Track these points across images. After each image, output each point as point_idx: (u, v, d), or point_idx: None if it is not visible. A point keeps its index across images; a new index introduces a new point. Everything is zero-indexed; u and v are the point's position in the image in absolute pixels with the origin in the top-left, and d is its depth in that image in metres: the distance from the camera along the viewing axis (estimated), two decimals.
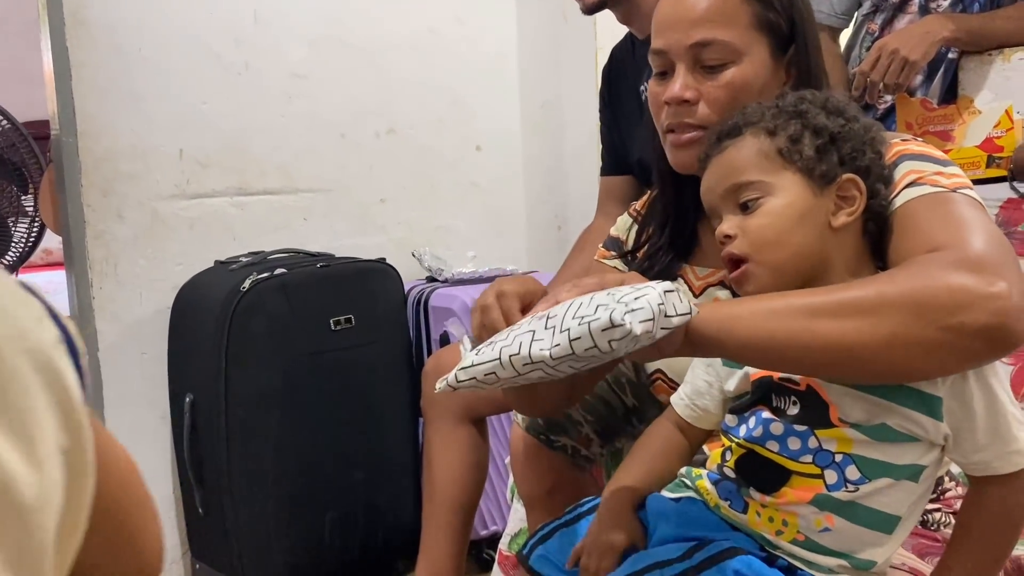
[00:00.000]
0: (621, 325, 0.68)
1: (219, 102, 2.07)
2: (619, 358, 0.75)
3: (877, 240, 0.87)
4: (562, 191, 2.69)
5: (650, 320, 0.69)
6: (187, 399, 1.86)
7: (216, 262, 2.02)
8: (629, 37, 1.83)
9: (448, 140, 2.48)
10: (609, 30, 1.91)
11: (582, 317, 0.71)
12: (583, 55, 2.51)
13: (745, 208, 0.85)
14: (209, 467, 1.85)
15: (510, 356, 0.73)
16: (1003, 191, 1.60)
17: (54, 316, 0.44)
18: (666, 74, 1.01)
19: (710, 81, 0.97)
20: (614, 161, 1.89)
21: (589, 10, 1.73)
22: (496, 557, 1.47)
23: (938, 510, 1.01)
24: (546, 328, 0.73)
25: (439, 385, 0.79)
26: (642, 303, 0.70)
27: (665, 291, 0.71)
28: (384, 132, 2.35)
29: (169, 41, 1.99)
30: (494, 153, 2.57)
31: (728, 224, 0.85)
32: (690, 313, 0.73)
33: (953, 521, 0.92)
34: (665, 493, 0.93)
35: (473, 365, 0.76)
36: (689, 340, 0.76)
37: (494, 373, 0.74)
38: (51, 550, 0.40)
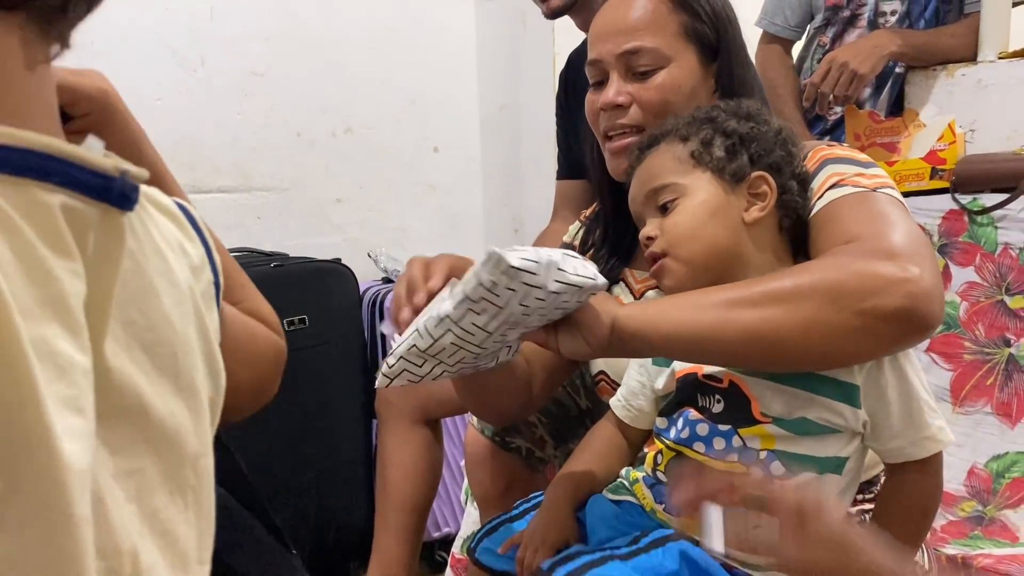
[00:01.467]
0: (497, 255, 0.68)
1: (173, 98, 2.05)
2: (532, 326, 0.77)
3: (796, 237, 0.91)
4: (519, 194, 2.70)
5: (532, 262, 0.68)
6: None
7: None
8: (586, 42, 1.85)
9: (406, 140, 2.47)
10: (567, 35, 1.93)
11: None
12: (541, 59, 2.53)
13: (664, 210, 0.89)
14: None
15: (423, 322, 0.75)
16: (945, 202, 1.65)
17: (208, 252, 0.53)
18: (602, 83, 1.05)
19: (641, 85, 1.01)
20: (570, 165, 1.91)
21: (552, 15, 1.74)
22: (448, 560, 1.48)
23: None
24: (452, 290, 0.74)
25: (378, 382, 0.80)
26: (529, 249, 0.70)
27: (566, 254, 0.72)
28: (341, 131, 2.34)
29: (123, 36, 1.96)
30: (452, 155, 2.58)
31: (649, 226, 0.90)
32: (594, 280, 0.73)
33: None
34: (606, 494, 0.94)
35: (397, 347, 0.78)
36: (616, 335, 0.79)
37: (415, 346, 0.75)
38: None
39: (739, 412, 0.83)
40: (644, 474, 0.91)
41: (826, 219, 0.87)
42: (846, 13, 1.95)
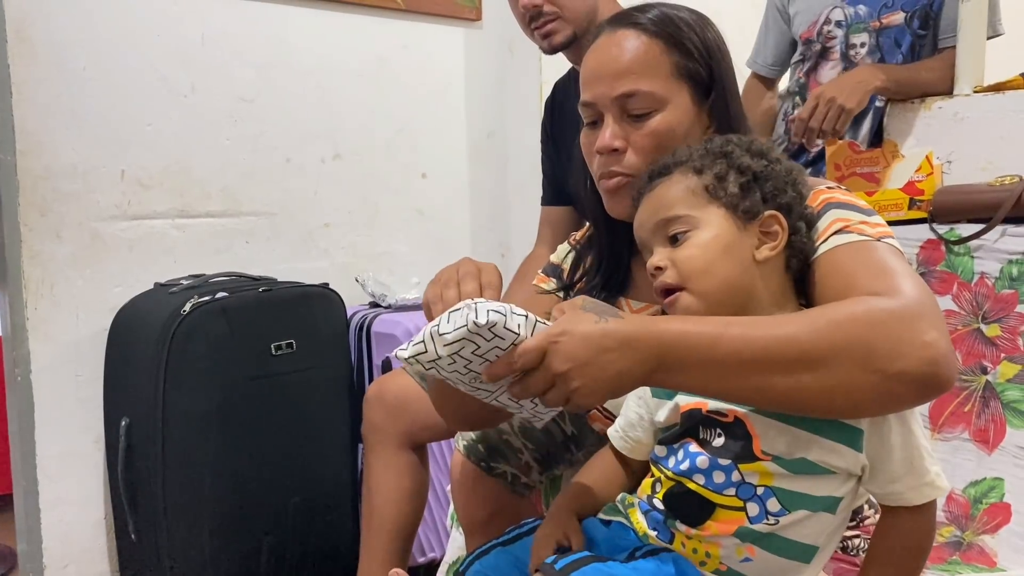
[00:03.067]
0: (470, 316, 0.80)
1: (163, 124, 2.06)
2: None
3: (799, 277, 0.92)
4: (506, 219, 2.72)
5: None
6: (123, 422, 1.83)
7: (156, 284, 2.00)
8: (572, 71, 1.88)
9: (394, 166, 2.50)
10: (554, 64, 1.96)
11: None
12: (528, 87, 2.56)
13: (674, 241, 0.90)
14: (143, 491, 1.82)
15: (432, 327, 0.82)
16: (923, 232, 1.68)
17: None
18: (596, 123, 1.06)
19: (637, 129, 1.02)
20: (555, 192, 1.93)
21: (552, 51, 1.74)
22: None
23: (857, 536, 1.05)
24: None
25: (398, 352, 0.84)
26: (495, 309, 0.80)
27: (516, 312, 0.81)
28: (330, 157, 2.36)
29: (114, 61, 1.98)
30: (439, 180, 2.60)
31: (658, 256, 0.90)
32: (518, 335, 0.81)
33: None
34: (600, 516, 0.95)
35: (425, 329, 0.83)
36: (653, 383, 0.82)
37: (422, 341, 0.82)
38: None
39: (740, 447, 0.83)
40: (640, 500, 0.92)
41: (833, 265, 0.89)
42: (817, 47, 2.00)
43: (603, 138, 1.03)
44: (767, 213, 0.89)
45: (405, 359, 0.83)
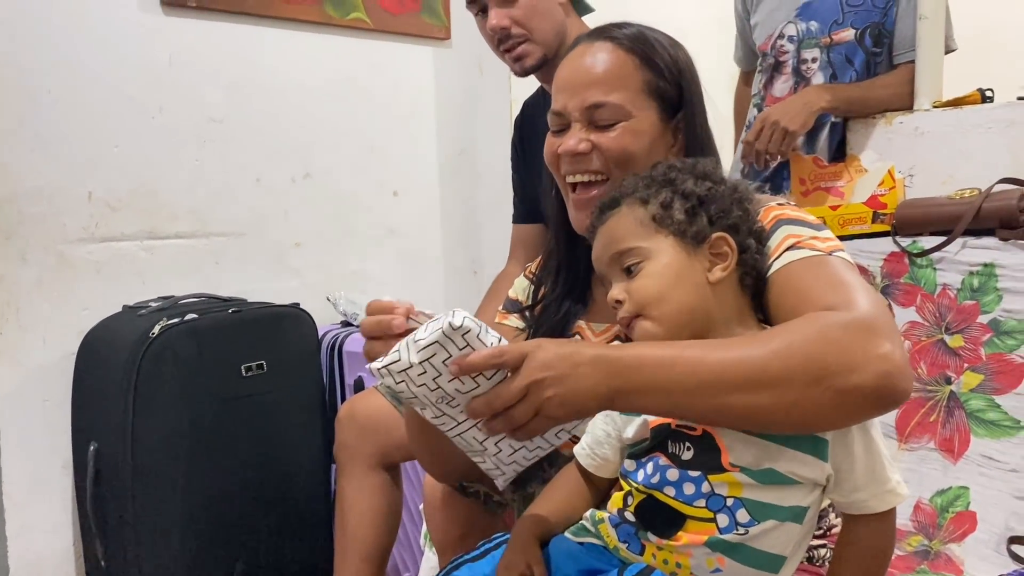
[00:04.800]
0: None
1: (131, 145, 2.05)
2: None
3: (755, 293, 0.94)
4: (478, 237, 2.73)
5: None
6: (91, 447, 1.81)
7: (124, 307, 1.98)
8: (541, 90, 1.89)
9: (365, 185, 2.50)
10: (523, 84, 1.97)
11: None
12: (498, 106, 2.58)
13: (629, 272, 0.92)
14: (113, 517, 1.80)
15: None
16: (887, 245, 1.71)
17: None
18: (562, 131, 1.08)
19: (602, 135, 1.05)
20: (525, 209, 1.94)
21: (524, 73, 1.76)
22: None
23: (823, 546, 1.07)
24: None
25: (373, 364, 0.86)
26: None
27: (491, 331, 0.84)
28: (300, 177, 2.36)
29: (80, 82, 1.97)
30: (411, 199, 2.60)
31: (616, 290, 0.93)
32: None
33: None
34: (568, 536, 0.96)
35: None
36: (614, 405, 0.84)
37: (397, 350, 0.84)
38: None
39: (708, 460, 0.85)
40: (610, 514, 0.92)
41: (788, 281, 0.90)
42: (771, 60, 2.04)
43: (568, 142, 1.06)
44: (715, 235, 0.91)
45: (377, 369, 0.84)
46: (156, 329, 1.78)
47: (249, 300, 2.09)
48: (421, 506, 1.61)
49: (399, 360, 0.83)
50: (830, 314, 0.82)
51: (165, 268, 2.11)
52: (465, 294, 2.66)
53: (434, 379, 0.84)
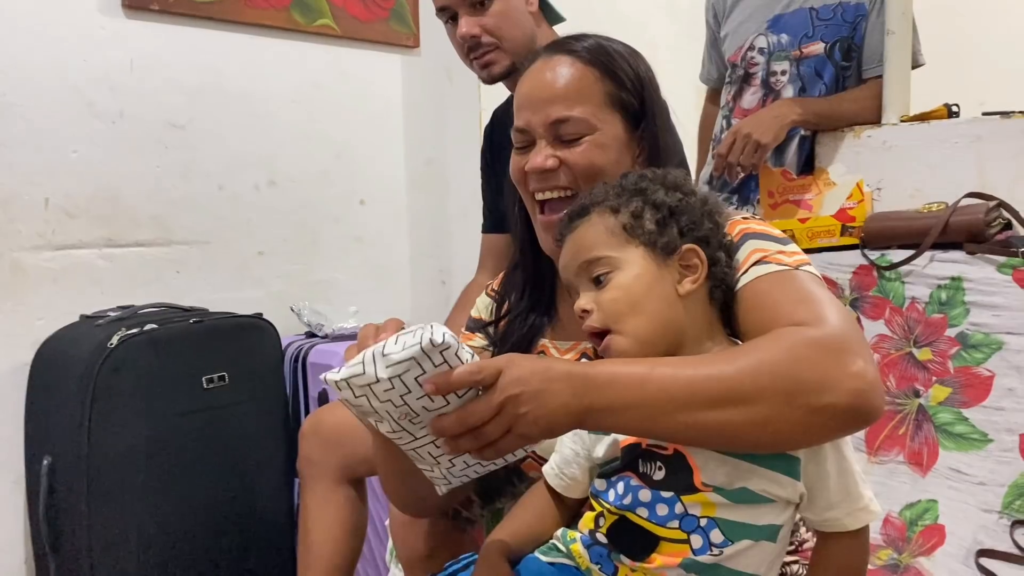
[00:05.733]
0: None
1: (90, 150, 2.00)
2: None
3: (724, 307, 0.93)
4: (446, 247, 2.71)
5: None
6: (45, 461, 1.75)
7: (82, 316, 1.93)
8: (511, 99, 1.88)
9: (331, 193, 2.46)
10: (493, 92, 1.96)
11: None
12: (467, 115, 2.56)
13: (598, 282, 0.90)
14: (67, 535, 1.74)
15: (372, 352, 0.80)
16: (855, 258, 1.71)
17: None
18: (526, 148, 1.07)
19: (569, 150, 1.04)
20: (494, 219, 1.92)
21: (492, 81, 1.75)
22: None
23: (796, 562, 1.05)
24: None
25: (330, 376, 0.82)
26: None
27: (465, 347, 0.80)
28: (264, 184, 2.32)
29: (38, 87, 1.92)
30: (378, 207, 2.57)
31: (584, 300, 0.91)
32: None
33: None
34: (539, 556, 0.94)
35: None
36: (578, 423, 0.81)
37: (360, 363, 0.80)
38: None
39: (680, 480, 0.83)
40: (582, 535, 0.91)
41: (756, 296, 0.90)
42: (741, 72, 2.05)
43: (535, 160, 1.04)
44: (685, 247, 0.90)
45: (335, 382, 0.80)
46: (115, 339, 1.73)
47: (211, 310, 2.04)
48: (387, 521, 1.58)
49: (363, 374, 0.79)
50: (800, 330, 0.81)
51: (124, 277, 2.05)
52: (433, 304, 2.63)
53: (401, 396, 0.80)
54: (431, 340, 0.77)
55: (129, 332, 1.76)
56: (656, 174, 0.96)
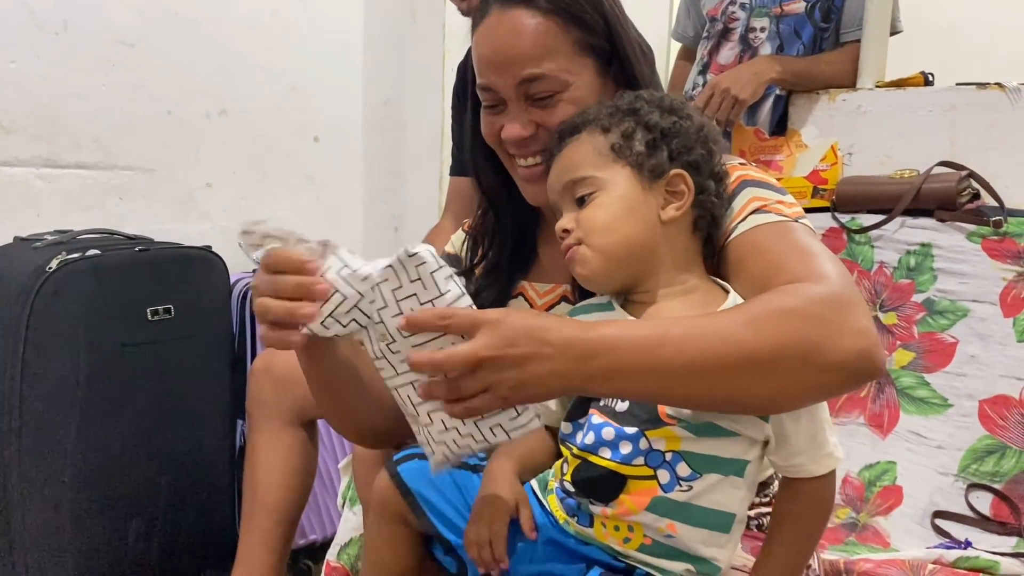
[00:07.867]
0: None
1: (30, 62, 1.87)
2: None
3: (707, 238, 0.91)
4: (401, 192, 2.63)
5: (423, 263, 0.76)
6: None
7: (16, 238, 1.81)
8: None
9: (284, 128, 2.37)
10: (457, 33, 1.89)
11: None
12: (430, 56, 2.48)
13: (582, 203, 0.88)
14: None
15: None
16: (826, 220, 1.72)
17: None
18: (496, 107, 1.00)
19: (545, 113, 0.97)
20: (464, 161, 1.86)
21: (470, 13, 1.67)
22: (324, 569, 1.39)
23: (770, 514, 1.05)
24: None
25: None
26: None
27: (457, 274, 0.77)
28: (215, 113, 2.21)
29: None
30: (332, 146, 2.49)
31: (566, 219, 0.89)
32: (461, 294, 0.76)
33: None
34: (535, 485, 0.93)
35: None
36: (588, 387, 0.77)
37: (335, 294, 0.79)
38: None
39: (645, 412, 0.81)
40: (556, 488, 0.89)
41: (755, 246, 0.87)
42: (720, 26, 2.02)
43: (512, 129, 0.98)
44: (673, 172, 0.88)
45: (321, 323, 0.79)
46: (53, 263, 1.63)
47: (156, 240, 1.94)
48: (340, 464, 1.53)
49: (343, 301, 0.78)
50: (808, 287, 0.79)
51: (64, 200, 1.94)
52: (385, 250, 2.54)
53: (378, 310, 0.77)
54: (406, 250, 0.75)
55: (69, 256, 1.66)
56: (653, 96, 0.92)
